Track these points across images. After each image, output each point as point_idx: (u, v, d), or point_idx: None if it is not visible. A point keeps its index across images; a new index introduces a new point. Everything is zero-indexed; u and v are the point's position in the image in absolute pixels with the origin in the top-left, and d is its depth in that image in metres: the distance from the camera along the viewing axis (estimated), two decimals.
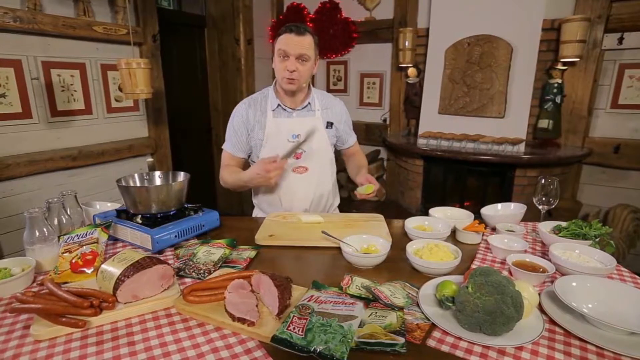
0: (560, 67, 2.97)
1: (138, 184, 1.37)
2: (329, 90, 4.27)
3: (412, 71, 3.60)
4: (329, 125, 1.66)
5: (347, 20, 3.92)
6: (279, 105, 1.59)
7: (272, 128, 1.58)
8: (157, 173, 1.41)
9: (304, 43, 1.46)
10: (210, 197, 4.31)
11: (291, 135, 1.58)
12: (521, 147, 3.04)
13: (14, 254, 2.13)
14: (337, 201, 1.82)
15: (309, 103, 1.62)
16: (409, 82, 3.66)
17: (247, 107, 1.61)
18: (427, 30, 3.48)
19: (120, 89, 2.62)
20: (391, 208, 3.84)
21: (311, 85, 1.66)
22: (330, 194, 1.73)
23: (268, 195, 1.66)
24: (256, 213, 1.77)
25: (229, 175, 1.62)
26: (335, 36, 3.98)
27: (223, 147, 1.68)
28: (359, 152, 1.85)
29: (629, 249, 2.86)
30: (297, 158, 1.60)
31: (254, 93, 1.69)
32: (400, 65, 3.67)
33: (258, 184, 1.57)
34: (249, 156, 1.69)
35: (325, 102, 1.68)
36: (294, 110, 1.60)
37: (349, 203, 4.03)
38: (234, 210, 4.22)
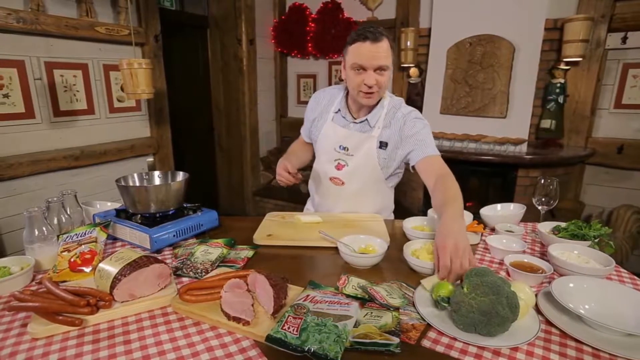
0: (563, 66, 2.95)
1: (137, 184, 1.38)
2: None
3: (414, 71, 3.59)
4: (383, 145, 1.48)
5: (349, 20, 3.91)
6: (339, 110, 1.53)
7: (326, 130, 1.56)
8: (157, 173, 1.41)
9: (381, 52, 1.29)
10: (213, 197, 4.32)
11: (339, 146, 1.53)
12: (523, 148, 3.02)
13: (16, 253, 2.14)
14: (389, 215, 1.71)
15: (367, 119, 1.48)
16: (411, 82, 3.65)
17: (316, 102, 1.64)
18: (429, 30, 3.47)
19: (122, 89, 2.64)
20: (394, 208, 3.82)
21: (387, 95, 1.51)
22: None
23: (313, 193, 1.71)
24: (307, 206, 1.82)
25: (290, 149, 1.72)
26: (337, 36, 3.97)
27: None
28: (441, 174, 1.34)
29: (632, 250, 2.84)
30: (338, 169, 1.55)
31: (331, 86, 1.68)
32: (402, 65, 3.66)
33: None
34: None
35: (391, 119, 1.48)
36: (352, 121, 1.51)
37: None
38: (235, 211, 4.23)
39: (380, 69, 1.32)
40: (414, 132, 1.44)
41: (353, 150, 1.51)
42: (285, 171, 1.42)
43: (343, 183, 1.55)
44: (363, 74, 1.34)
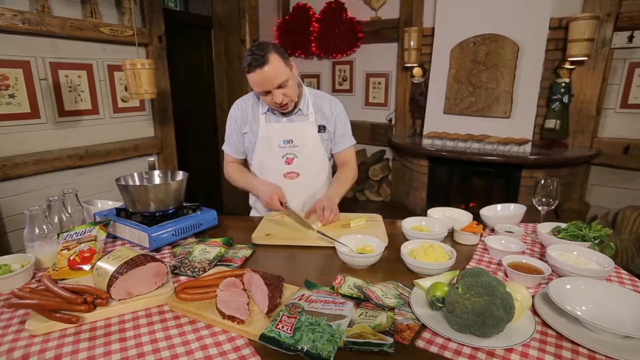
0: (568, 66, 2.92)
1: (137, 183, 1.39)
2: (334, 91, 4.28)
3: (417, 71, 3.58)
4: (322, 128, 1.60)
5: (353, 20, 3.91)
6: (269, 109, 1.56)
7: (263, 133, 1.57)
8: (157, 172, 1.43)
9: (272, 73, 1.34)
10: (216, 197, 4.34)
11: (282, 141, 1.56)
12: (527, 148, 3.00)
13: (21, 251, 2.17)
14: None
15: (300, 109, 1.56)
16: (415, 81, 3.64)
17: (239, 110, 1.61)
18: (433, 29, 3.46)
19: (126, 90, 2.66)
20: (396, 208, 3.82)
21: (302, 86, 1.60)
22: None
23: (261, 204, 1.67)
24: (252, 214, 1.79)
25: (238, 174, 1.66)
26: (340, 36, 3.98)
27: (223, 147, 1.70)
28: (348, 164, 1.68)
29: (638, 252, 2.80)
30: (289, 164, 1.57)
31: (248, 93, 1.66)
32: (405, 65, 3.65)
33: (261, 198, 1.57)
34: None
35: (318, 104, 1.60)
36: (284, 115, 1.56)
37: (353, 203, 4.03)
38: (240, 210, 4.22)
39: (280, 85, 1.39)
40: (341, 119, 1.64)
41: (298, 140, 1.56)
42: (278, 202, 1.47)
43: (298, 175, 1.58)
44: (269, 94, 1.41)
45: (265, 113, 1.57)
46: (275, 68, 1.35)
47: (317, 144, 1.59)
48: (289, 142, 1.56)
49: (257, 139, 1.58)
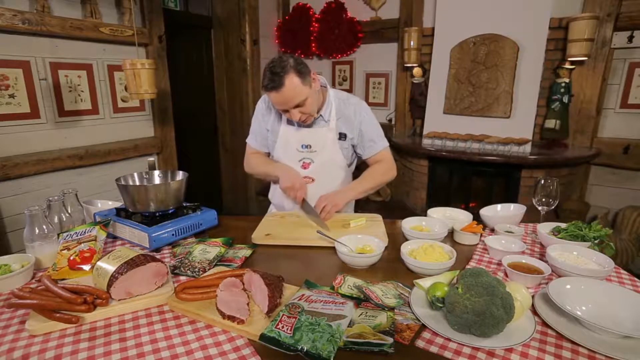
0: (567, 66, 2.92)
1: (137, 183, 1.39)
2: None
3: (417, 71, 3.58)
4: (342, 136, 1.56)
5: (353, 20, 3.91)
6: None
7: (283, 135, 1.58)
8: (157, 172, 1.43)
9: (288, 95, 1.33)
10: (216, 197, 4.34)
11: (301, 146, 1.56)
12: (527, 148, 3.00)
13: (21, 251, 2.17)
14: (351, 212, 1.74)
15: (321, 115, 1.53)
16: (415, 81, 3.64)
17: (265, 103, 1.62)
18: (433, 29, 3.46)
19: (126, 90, 2.66)
20: (396, 208, 3.82)
21: (329, 90, 1.57)
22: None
23: (278, 197, 1.68)
24: (270, 209, 1.79)
25: (261, 164, 1.66)
26: (340, 36, 3.97)
27: (247, 140, 1.70)
28: (383, 161, 1.64)
29: (638, 252, 2.80)
30: (305, 168, 1.57)
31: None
32: (405, 65, 3.65)
33: (281, 182, 1.55)
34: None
35: (342, 109, 1.56)
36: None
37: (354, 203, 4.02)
38: (239, 210, 4.24)
39: (297, 105, 1.38)
40: (368, 125, 1.59)
41: (316, 146, 1.55)
42: (299, 192, 1.48)
43: (313, 180, 1.58)
44: (287, 112, 1.41)
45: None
46: (293, 90, 1.32)
47: (335, 151, 1.57)
48: (307, 147, 1.55)
49: (277, 138, 1.59)
